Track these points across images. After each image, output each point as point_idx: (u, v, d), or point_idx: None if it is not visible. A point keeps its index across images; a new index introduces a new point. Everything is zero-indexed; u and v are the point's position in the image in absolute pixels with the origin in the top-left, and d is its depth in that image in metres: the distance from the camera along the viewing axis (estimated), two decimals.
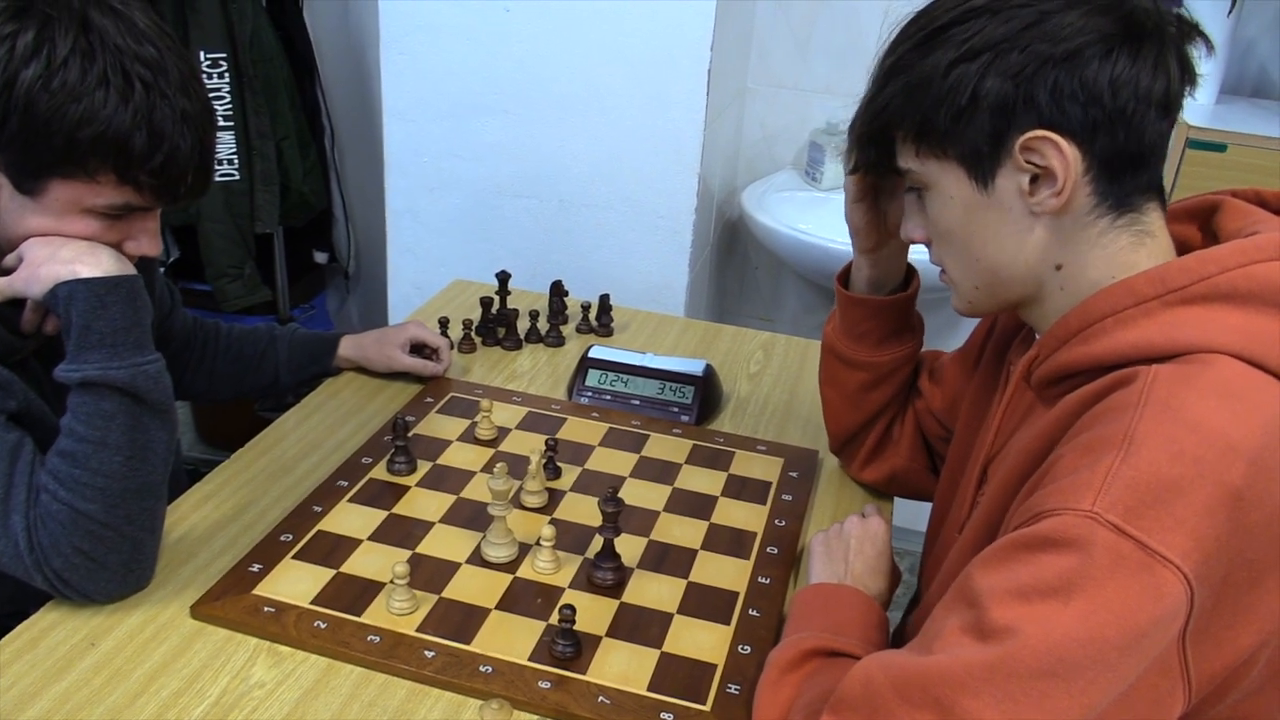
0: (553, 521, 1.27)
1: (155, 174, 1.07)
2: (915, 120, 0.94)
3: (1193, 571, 0.77)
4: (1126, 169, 0.90)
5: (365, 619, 1.11)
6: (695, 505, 1.35)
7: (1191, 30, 0.91)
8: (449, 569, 1.19)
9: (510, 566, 1.20)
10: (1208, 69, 2.24)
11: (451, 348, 1.65)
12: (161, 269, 1.62)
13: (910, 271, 1.29)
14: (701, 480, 1.40)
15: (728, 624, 1.14)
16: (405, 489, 1.33)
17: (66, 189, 1.08)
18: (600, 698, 1.03)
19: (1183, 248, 0.95)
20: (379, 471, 1.36)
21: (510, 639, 1.09)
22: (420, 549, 1.22)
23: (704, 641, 1.11)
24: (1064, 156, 0.88)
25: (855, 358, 1.30)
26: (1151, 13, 0.89)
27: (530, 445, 1.43)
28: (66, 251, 1.09)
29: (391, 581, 1.11)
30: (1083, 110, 0.87)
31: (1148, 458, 0.79)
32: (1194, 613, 0.78)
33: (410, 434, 1.40)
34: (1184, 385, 0.82)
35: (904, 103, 0.94)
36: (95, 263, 1.09)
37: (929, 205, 0.99)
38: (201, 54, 2.41)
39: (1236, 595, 0.80)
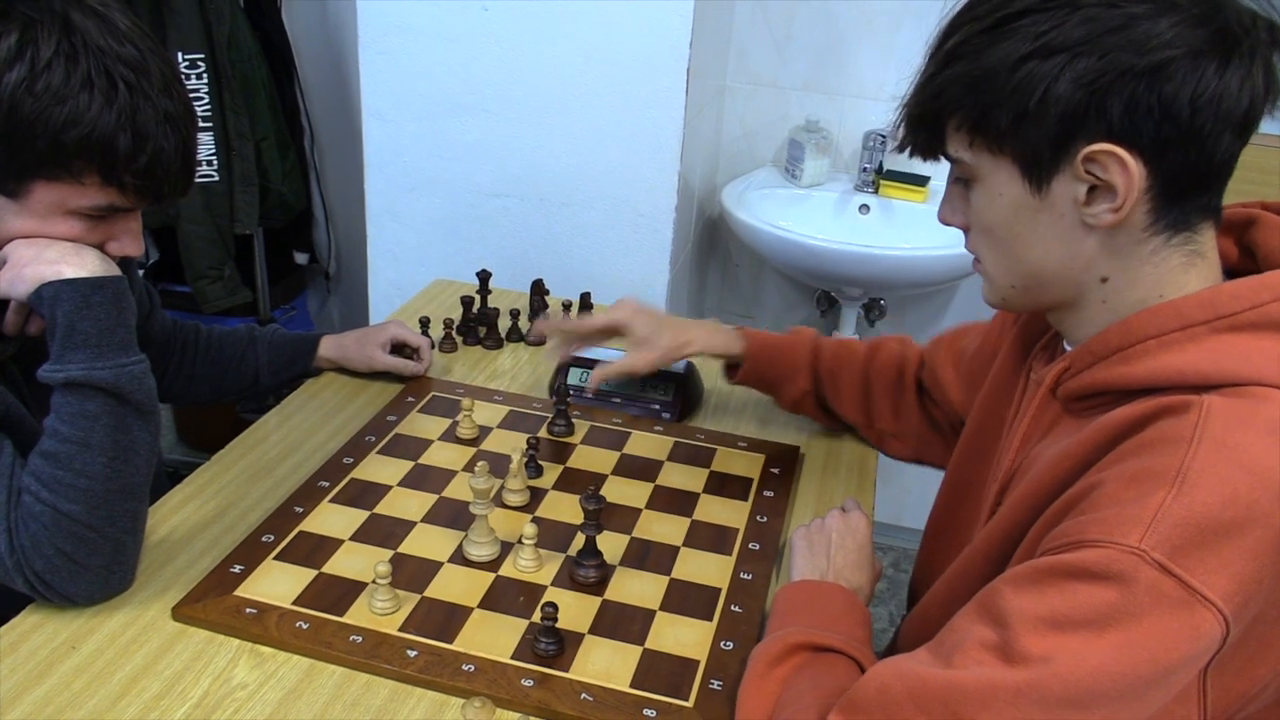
0: (534, 520, 1.28)
1: (139, 175, 1.07)
2: (974, 112, 0.88)
3: (1232, 613, 0.76)
4: (1190, 190, 0.85)
5: (347, 619, 1.10)
6: (677, 502, 1.35)
7: None
8: (431, 568, 1.19)
9: (492, 565, 1.20)
10: None
11: (432, 347, 1.65)
12: (140, 271, 1.61)
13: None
14: (683, 477, 1.41)
15: (710, 620, 1.14)
16: (387, 488, 1.33)
17: (50, 191, 1.07)
18: (583, 695, 1.03)
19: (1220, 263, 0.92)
20: (360, 471, 1.36)
21: (493, 637, 1.09)
22: (402, 549, 1.22)
23: (686, 638, 1.11)
24: (1128, 174, 0.83)
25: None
26: (1246, 18, 0.83)
27: (512, 444, 1.43)
28: (51, 252, 1.09)
29: (373, 581, 1.11)
30: (1156, 127, 0.81)
31: (1201, 498, 0.77)
32: (1224, 648, 0.78)
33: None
34: (1240, 422, 0.79)
35: (964, 91, 0.87)
36: (80, 263, 1.09)
37: (975, 197, 0.93)
38: (179, 55, 2.40)
39: (1265, 629, 0.80)
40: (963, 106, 0.88)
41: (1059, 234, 0.89)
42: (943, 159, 0.96)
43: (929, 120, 0.92)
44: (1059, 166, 0.86)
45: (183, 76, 1.13)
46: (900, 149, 0.98)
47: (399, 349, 1.60)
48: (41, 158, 1.04)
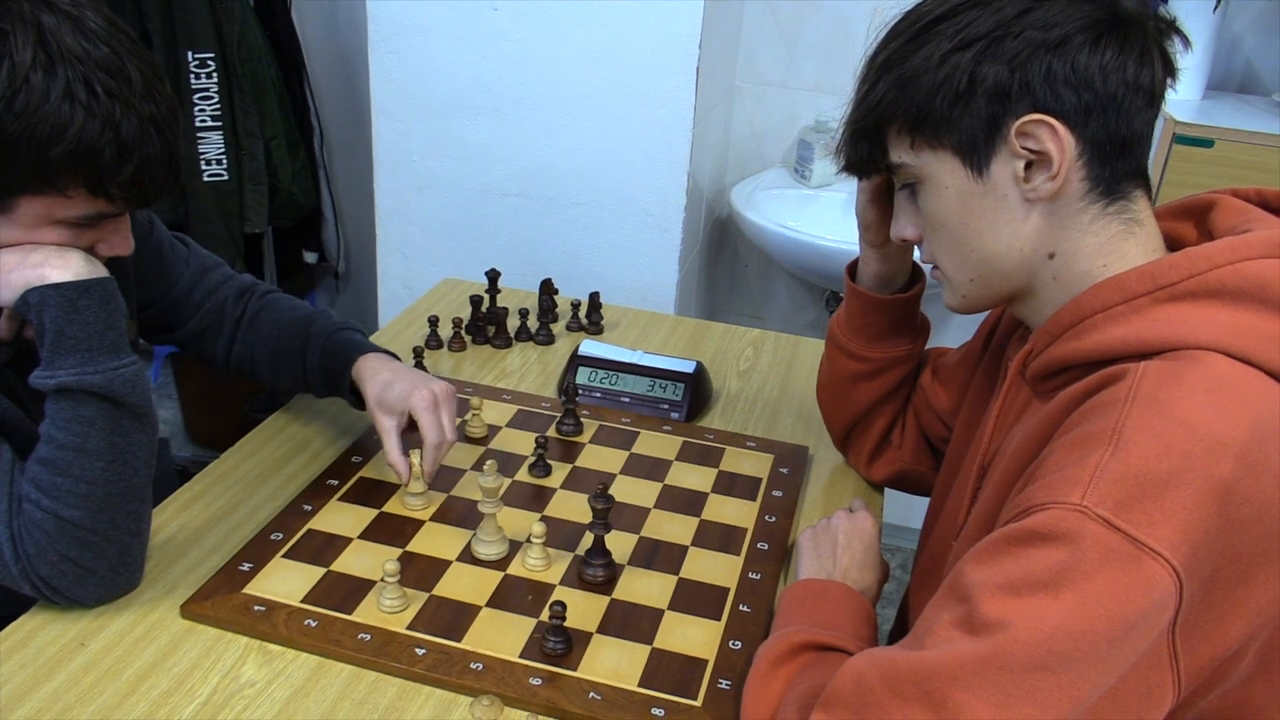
0: (543, 518, 1.28)
1: (126, 186, 1.05)
2: (911, 111, 0.95)
3: (1181, 564, 0.77)
4: (1117, 154, 0.92)
5: (356, 617, 1.11)
6: (686, 502, 1.35)
7: (1169, 27, 0.94)
8: (439, 567, 1.19)
9: (501, 564, 1.20)
10: (1194, 64, 2.26)
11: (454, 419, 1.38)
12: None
13: (916, 272, 1.29)
14: (692, 477, 1.40)
15: (718, 620, 1.14)
16: (395, 487, 1.33)
17: (37, 204, 1.05)
18: (591, 694, 1.03)
19: (1178, 245, 0.96)
20: (369, 470, 1.36)
21: (501, 636, 1.09)
22: (410, 547, 1.22)
23: (695, 637, 1.11)
24: (1059, 140, 0.90)
25: (849, 348, 1.31)
26: (1135, 10, 0.92)
27: (520, 443, 1.43)
28: (35, 256, 1.06)
29: (382, 579, 1.11)
30: (1076, 95, 0.89)
31: (1136, 453, 0.79)
32: (1183, 605, 0.79)
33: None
34: (1172, 381, 0.83)
35: (899, 95, 0.95)
36: (64, 266, 1.06)
37: (923, 199, 0.99)
38: (189, 54, 2.41)
39: (1226, 589, 0.81)
40: (899, 109, 0.96)
41: (1005, 215, 0.94)
42: (872, 177, 1.09)
43: (870, 132, 1.00)
44: (995, 147, 0.92)
45: (162, 72, 1.08)
46: (842, 168, 1.08)
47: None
48: (26, 175, 1.02)
